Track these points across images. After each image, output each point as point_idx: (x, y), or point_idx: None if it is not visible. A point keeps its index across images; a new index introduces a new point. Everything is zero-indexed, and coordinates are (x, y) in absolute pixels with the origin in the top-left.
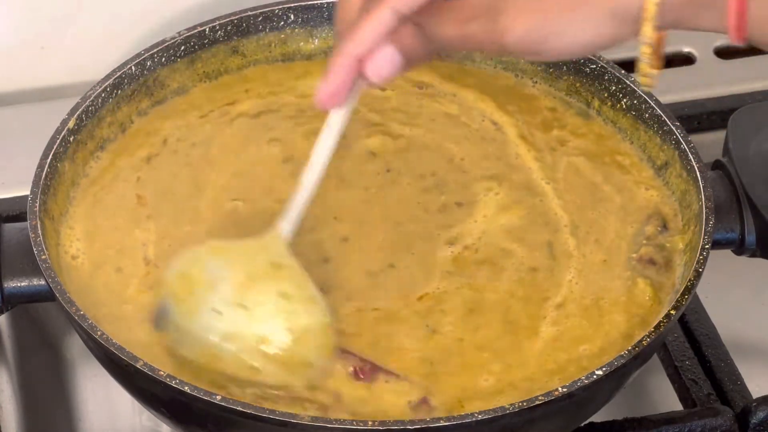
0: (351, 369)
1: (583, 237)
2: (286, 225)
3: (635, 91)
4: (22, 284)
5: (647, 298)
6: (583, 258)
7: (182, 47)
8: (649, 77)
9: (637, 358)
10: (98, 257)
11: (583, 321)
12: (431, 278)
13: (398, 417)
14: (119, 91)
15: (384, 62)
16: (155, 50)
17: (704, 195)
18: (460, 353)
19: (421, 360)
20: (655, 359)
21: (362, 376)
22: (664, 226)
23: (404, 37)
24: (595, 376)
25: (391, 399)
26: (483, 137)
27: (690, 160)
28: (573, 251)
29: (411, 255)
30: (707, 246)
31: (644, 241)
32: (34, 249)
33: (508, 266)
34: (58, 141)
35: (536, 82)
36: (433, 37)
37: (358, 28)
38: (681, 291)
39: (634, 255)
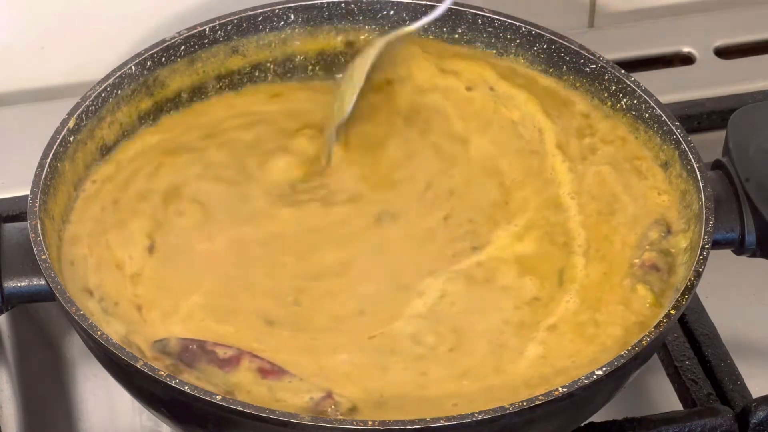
0: (256, 368)
1: (592, 255)
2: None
3: (635, 91)
4: (22, 284)
5: (647, 304)
6: (587, 278)
7: (182, 47)
8: None
9: (637, 358)
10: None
11: (576, 337)
12: (399, 317)
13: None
14: (119, 91)
15: None
16: (155, 50)
17: (704, 195)
18: (422, 386)
19: (369, 392)
20: (655, 359)
21: (267, 376)
22: (668, 231)
23: None
24: (595, 376)
25: (289, 396)
26: (532, 150)
27: (690, 160)
28: (579, 273)
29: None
30: (707, 246)
31: (647, 246)
32: (34, 249)
33: (510, 300)
34: (58, 141)
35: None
36: None
37: None
38: (681, 291)
39: (637, 261)
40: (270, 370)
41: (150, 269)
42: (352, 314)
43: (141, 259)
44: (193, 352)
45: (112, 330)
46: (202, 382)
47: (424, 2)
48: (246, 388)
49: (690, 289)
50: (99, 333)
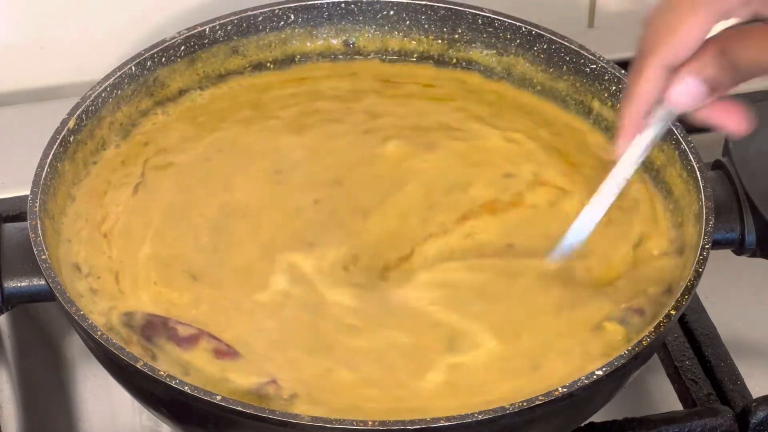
0: (213, 348)
1: (510, 338)
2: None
3: None
4: (22, 284)
5: (619, 338)
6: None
7: (182, 47)
8: None
9: (637, 358)
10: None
11: (495, 373)
12: (264, 289)
13: (242, 394)
14: (119, 91)
15: (684, 94)
16: (155, 50)
17: (704, 195)
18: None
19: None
20: (655, 359)
21: (222, 357)
22: (669, 290)
23: (707, 66)
24: (595, 376)
25: (237, 376)
26: None
27: (690, 160)
28: (491, 346)
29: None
30: (707, 246)
31: (642, 298)
32: (34, 249)
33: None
34: (58, 141)
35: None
36: (738, 63)
37: (632, 89)
38: (681, 291)
39: (624, 305)
40: (226, 352)
41: (124, 216)
42: (243, 267)
43: (124, 204)
44: (155, 327)
45: (99, 311)
46: (158, 362)
47: (424, 2)
48: (198, 366)
49: (690, 289)
50: (99, 333)
